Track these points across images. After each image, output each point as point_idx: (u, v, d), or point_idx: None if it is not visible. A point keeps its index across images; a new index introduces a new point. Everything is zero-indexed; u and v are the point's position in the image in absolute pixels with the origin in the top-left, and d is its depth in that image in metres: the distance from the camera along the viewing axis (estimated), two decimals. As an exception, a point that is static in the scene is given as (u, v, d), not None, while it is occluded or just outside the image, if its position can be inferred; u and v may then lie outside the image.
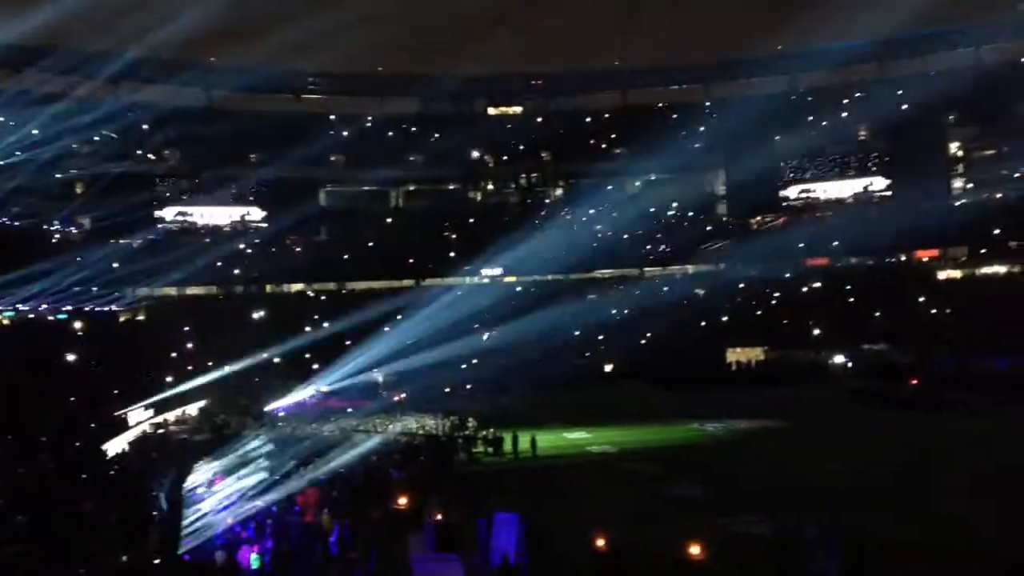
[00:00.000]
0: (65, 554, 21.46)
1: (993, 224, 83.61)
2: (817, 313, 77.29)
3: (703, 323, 78.78)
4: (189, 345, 67.71)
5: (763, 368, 70.71)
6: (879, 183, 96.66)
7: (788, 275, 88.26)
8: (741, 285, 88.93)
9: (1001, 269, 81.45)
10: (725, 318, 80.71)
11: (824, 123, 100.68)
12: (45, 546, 21.70)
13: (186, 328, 71.38)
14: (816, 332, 73.46)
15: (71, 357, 54.00)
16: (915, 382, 53.88)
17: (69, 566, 20.74)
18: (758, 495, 30.44)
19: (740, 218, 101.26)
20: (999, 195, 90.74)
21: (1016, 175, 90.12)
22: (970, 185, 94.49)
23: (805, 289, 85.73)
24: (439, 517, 25.26)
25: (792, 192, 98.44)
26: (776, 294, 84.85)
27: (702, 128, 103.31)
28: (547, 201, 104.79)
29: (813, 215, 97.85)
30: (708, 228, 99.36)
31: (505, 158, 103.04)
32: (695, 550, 21.73)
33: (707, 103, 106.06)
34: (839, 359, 68.22)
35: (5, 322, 65.76)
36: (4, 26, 76.43)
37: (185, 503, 29.21)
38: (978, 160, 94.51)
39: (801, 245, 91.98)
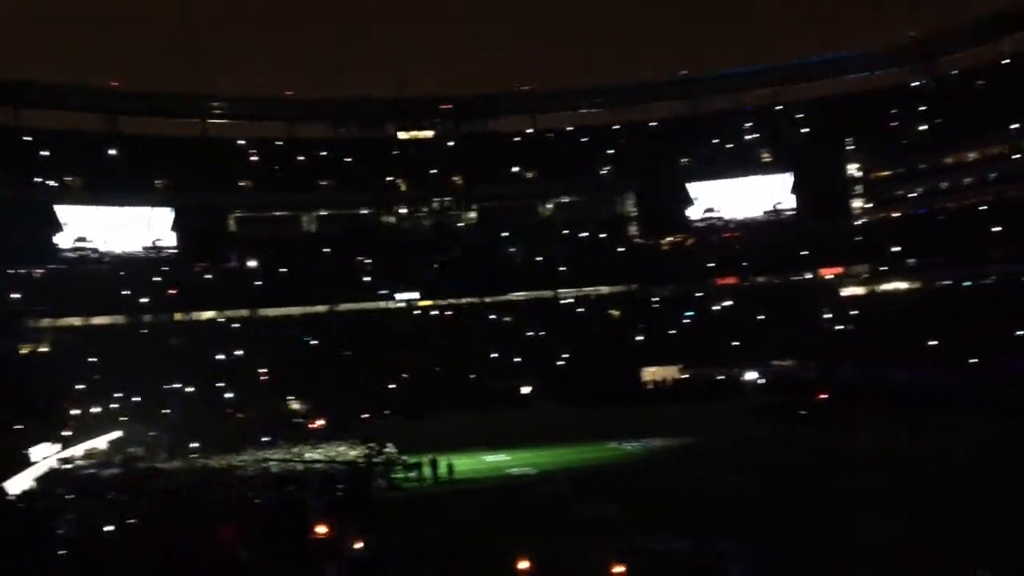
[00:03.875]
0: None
1: (892, 242, 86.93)
2: (729, 330, 79.16)
3: (618, 343, 79.98)
4: (96, 377, 65.67)
5: (678, 386, 71.92)
6: (785, 202, 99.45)
7: (699, 294, 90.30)
8: (654, 305, 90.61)
9: (901, 285, 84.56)
10: (640, 337, 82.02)
11: (729, 145, 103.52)
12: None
13: (93, 359, 69.28)
14: (728, 349, 75.12)
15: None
16: (822, 396, 55.44)
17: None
18: (674, 512, 30.95)
19: (650, 239, 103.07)
20: (897, 214, 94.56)
21: (912, 195, 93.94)
22: (869, 205, 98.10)
23: (716, 308, 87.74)
24: (358, 546, 25.00)
25: (699, 213, 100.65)
26: (688, 313, 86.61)
27: (611, 151, 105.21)
28: (460, 225, 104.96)
29: (720, 235, 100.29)
30: (620, 249, 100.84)
31: (417, 182, 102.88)
32: (618, 569, 21.94)
33: (615, 126, 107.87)
34: (751, 375, 69.86)
35: None
36: None
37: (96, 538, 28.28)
38: (875, 181, 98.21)
39: (711, 265, 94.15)
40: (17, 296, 76.85)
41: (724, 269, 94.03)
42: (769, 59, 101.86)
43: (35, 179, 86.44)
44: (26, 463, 44.25)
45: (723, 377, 71.13)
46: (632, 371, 74.04)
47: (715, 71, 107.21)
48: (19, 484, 40.27)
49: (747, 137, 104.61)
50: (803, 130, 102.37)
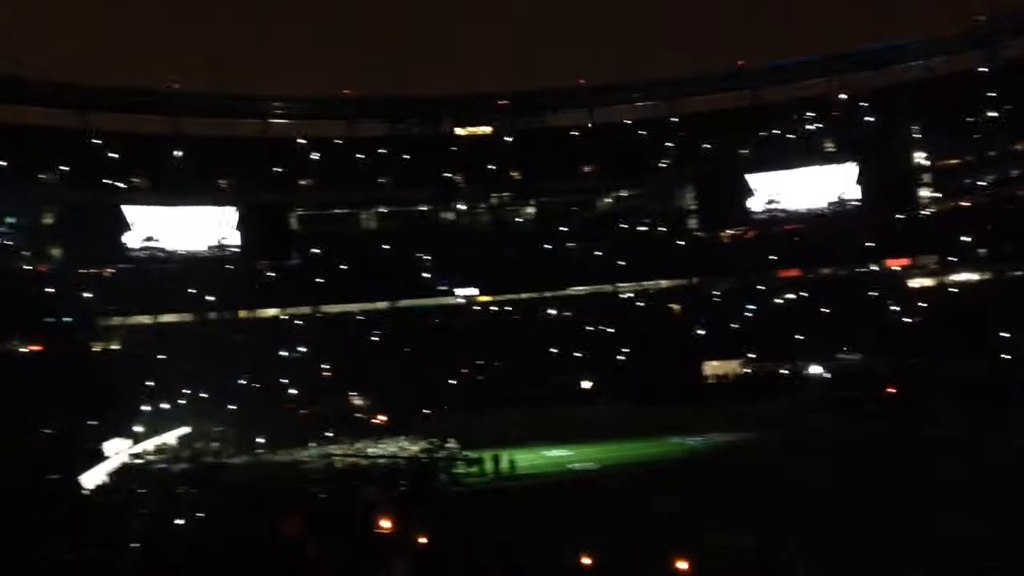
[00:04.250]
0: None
1: (961, 232, 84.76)
2: (792, 324, 78.00)
3: (679, 337, 79.35)
4: (166, 373, 67.17)
5: (741, 380, 71.14)
6: (850, 193, 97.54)
7: (761, 287, 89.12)
8: (715, 299, 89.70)
9: (972, 276, 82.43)
10: (701, 332, 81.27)
11: (790, 136, 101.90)
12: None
13: (162, 356, 70.86)
14: (792, 343, 74.00)
15: (46, 389, 53.43)
16: (890, 391, 54.37)
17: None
18: (737, 507, 30.60)
19: (710, 232, 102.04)
20: (966, 203, 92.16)
21: (981, 183, 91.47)
22: (937, 194, 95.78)
23: (779, 301, 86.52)
24: (423, 540, 25.16)
25: (759, 205, 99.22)
26: (750, 306, 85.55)
27: (669, 144, 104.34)
28: (519, 220, 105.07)
29: (782, 227, 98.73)
30: (679, 242, 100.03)
31: (476, 178, 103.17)
32: (682, 565, 21.76)
33: (673, 119, 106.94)
34: (816, 369, 68.76)
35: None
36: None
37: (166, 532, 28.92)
38: (943, 169, 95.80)
39: (773, 257, 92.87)
40: (89, 295, 78.88)
41: (787, 261, 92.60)
42: (830, 47, 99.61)
43: (104, 181, 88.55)
44: (100, 458, 45.40)
45: (787, 371, 70.15)
46: (693, 365, 73.40)
47: (774, 61, 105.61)
48: (93, 478, 41.36)
49: (809, 127, 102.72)
50: (868, 119, 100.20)
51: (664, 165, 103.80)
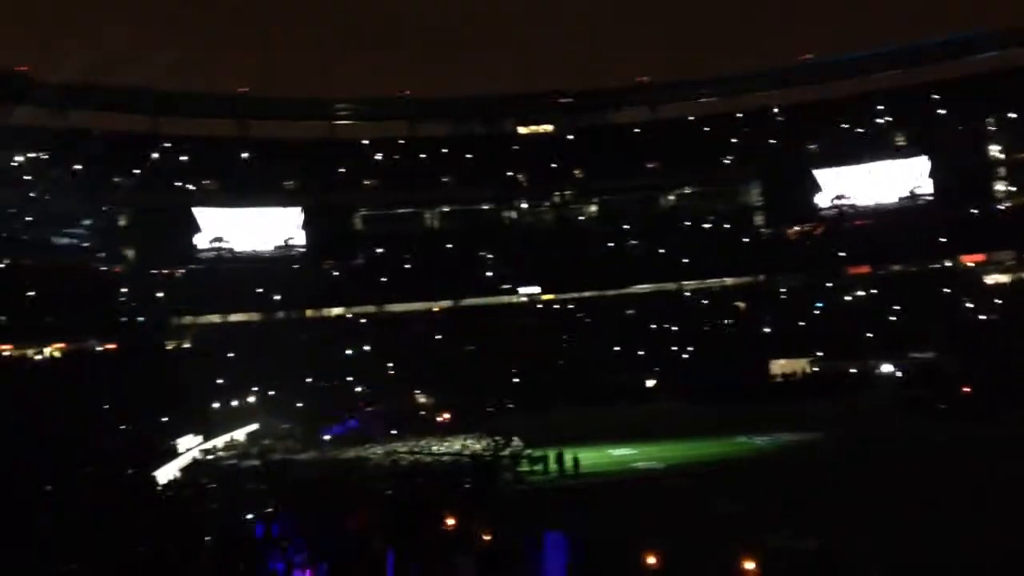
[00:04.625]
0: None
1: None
2: (862, 322, 76.47)
3: (745, 336, 78.37)
4: (235, 371, 68.51)
5: (809, 379, 69.96)
6: (923, 187, 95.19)
7: (830, 284, 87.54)
8: (782, 296, 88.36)
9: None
10: (767, 330, 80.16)
11: (859, 130, 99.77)
12: (100, 571, 21.99)
13: (231, 355, 72.28)
14: (862, 341, 72.47)
15: (121, 386, 54.87)
16: (965, 390, 52.92)
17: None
18: (805, 510, 30.02)
19: (777, 228, 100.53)
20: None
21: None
22: (1012, 188, 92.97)
23: (848, 298, 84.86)
24: (487, 538, 25.17)
25: (827, 200, 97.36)
26: (819, 304, 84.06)
27: (734, 139, 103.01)
28: (581, 218, 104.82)
29: (851, 223, 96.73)
30: (745, 239, 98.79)
31: (538, 177, 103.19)
32: (749, 565, 21.42)
33: (738, 114, 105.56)
34: (887, 368, 67.30)
35: (56, 355, 67.24)
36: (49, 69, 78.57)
37: (237, 526, 29.43)
38: (1019, 162, 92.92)
39: (842, 253, 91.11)
40: (161, 295, 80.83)
41: (856, 258, 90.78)
42: (896, 40, 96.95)
43: (175, 184, 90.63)
44: (173, 454, 46.46)
45: (857, 370, 68.75)
46: (760, 364, 72.36)
47: (841, 54, 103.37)
48: (166, 474, 42.34)
49: (878, 121, 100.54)
50: (939, 111, 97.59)
51: (729, 161, 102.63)
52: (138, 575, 22.31)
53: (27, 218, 76.22)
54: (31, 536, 25.19)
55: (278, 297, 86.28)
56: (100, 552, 23.58)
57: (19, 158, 75.29)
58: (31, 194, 76.25)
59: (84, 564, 22.51)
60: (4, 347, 63.19)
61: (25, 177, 77.10)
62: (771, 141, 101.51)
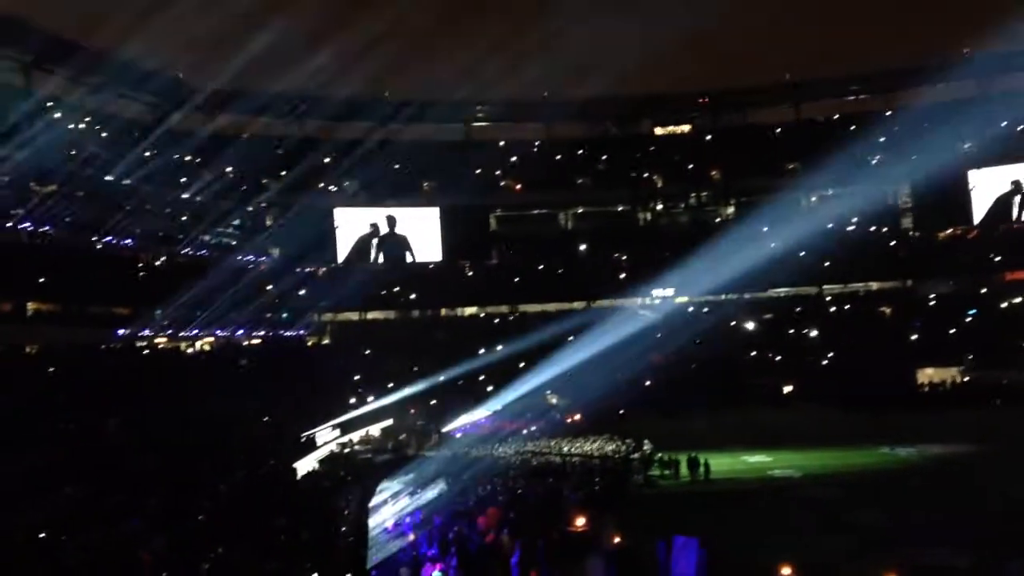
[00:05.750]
0: (258, 569, 22.47)
1: None
2: (1019, 330, 72.16)
3: (890, 342, 75.16)
4: (370, 368, 70.33)
5: (960, 389, 66.56)
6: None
7: (984, 290, 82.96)
8: (931, 302, 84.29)
9: None
10: (915, 337, 76.64)
11: (1020, 128, 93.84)
12: (239, 560, 22.81)
13: (367, 351, 74.25)
14: (1019, 350, 68.34)
15: (265, 379, 57.09)
16: None
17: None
18: (953, 525, 28.45)
19: (926, 231, 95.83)
20: None
21: None
22: None
23: (1004, 305, 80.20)
24: (617, 540, 24.93)
25: (984, 204, 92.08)
26: (971, 311, 79.75)
27: (881, 138, 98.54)
28: (718, 220, 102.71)
29: (1010, 226, 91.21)
30: (891, 243, 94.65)
31: (674, 178, 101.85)
32: (891, 581, 20.46)
33: (887, 112, 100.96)
34: (1046, 380, 63.30)
35: (207, 347, 70.70)
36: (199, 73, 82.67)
37: (370, 520, 30.15)
38: None
39: (997, 258, 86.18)
40: (302, 292, 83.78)
41: (1014, 263, 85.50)
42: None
43: (319, 185, 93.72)
44: (312, 447, 47.98)
45: (1012, 380, 64.88)
46: (906, 372, 69.44)
47: (1003, 47, 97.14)
48: (306, 466, 43.79)
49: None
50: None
51: (875, 161, 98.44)
52: (278, 561, 23.01)
53: (182, 217, 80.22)
54: (193, 520, 26.35)
55: (414, 296, 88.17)
56: (249, 538, 24.46)
57: (175, 158, 79.03)
58: (184, 195, 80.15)
59: (235, 549, 23.38)
60: (160, 339, 66.73)
61: (182, 179, 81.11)
62: (921, 140, 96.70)
